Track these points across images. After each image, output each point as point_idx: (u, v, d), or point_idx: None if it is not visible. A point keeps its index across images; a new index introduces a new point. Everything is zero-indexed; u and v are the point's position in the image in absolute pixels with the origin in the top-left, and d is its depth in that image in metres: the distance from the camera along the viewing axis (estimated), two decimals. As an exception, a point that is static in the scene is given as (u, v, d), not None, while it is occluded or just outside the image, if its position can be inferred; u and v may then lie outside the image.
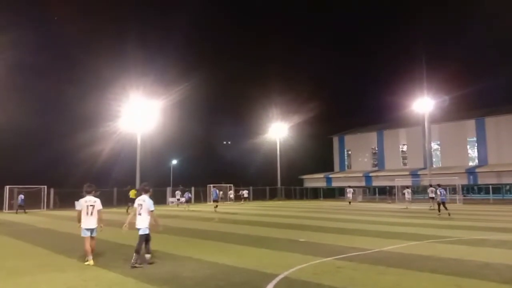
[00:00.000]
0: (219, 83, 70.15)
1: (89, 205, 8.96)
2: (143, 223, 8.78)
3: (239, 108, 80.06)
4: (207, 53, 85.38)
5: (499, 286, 6.58)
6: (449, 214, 21.72)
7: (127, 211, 27.49)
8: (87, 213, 8.92)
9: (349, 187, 42.64)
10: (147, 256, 8.81)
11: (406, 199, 33.98)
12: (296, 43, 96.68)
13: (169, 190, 44.60)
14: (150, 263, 8.68)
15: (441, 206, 23.18)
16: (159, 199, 42.38)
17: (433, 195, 28.78)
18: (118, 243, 12.08)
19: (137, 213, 8.91)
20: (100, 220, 9.10)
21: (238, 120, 68.17)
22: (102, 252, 10.25)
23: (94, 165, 46.53)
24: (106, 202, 34.40)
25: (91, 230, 8.93)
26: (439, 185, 25.26)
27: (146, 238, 8.81)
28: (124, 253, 10.34)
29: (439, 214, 22.59)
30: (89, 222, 8.93)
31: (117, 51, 75.02)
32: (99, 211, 9.08)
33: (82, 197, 9.24)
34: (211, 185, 45.22)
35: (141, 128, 41.27)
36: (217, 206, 30.41)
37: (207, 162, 63.41)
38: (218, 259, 9.15)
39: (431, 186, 30.49)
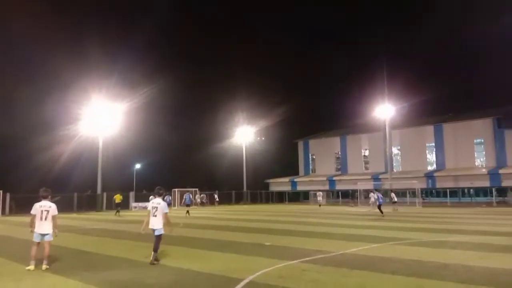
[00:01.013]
0: (185, 87, 69.38)
1: (44, 210, 8.78)
2: (158, 224, 9.30)
3: (206, 112, 79.62)
4: (173, 56, 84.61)
5: (457, 286, 6.82)
6: (382, 216, 24.70)
7: (115, 214, 30.28)
8: (41, 218, 8.75)
9: (320, 190, 43.27)
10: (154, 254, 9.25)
11: (371, 202, 34.38)
12: (262, 48, 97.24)
13: (132, 194, 43.60)
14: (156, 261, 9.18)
15: (379, 208, 26.00)
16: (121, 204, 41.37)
17: (395, 199, 31.27)
18: (77, 249, 11.68)
19: (152, 214, 9.35)
20: (55, 226, 8.86)
21: (204, 124, 67.70)
22: (60, 258, 9.86)
23: (53, 169, 44.88)
24: (66, 207, 33.38)
25: (44, 236, 8.74)
26: (377, 190, 27.59)
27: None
28: (83, 259, 9.99)
29: (383, 216, 24.63)
30: (43, 227, 8.74)
31: (77, 51, 72.77)
32: (54, 217, 8.86)
33: (38, 202, 8.94)
34: (176, 189, 44.62)
35: (103, 131, 40.24)
36: (188, 211, 30.01)
37: (172, 166, 62.54)
38: (182, 265, 9.00)
39: (391, 191, 31.89)
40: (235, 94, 73.63)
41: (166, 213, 9.36)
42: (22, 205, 32.20)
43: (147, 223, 9.45)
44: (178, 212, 32.93)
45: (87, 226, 20.77)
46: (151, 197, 9.53)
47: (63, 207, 33.12)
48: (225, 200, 53.33)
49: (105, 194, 40.39)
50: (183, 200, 34.73)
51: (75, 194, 38.62)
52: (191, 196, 33.75)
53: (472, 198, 53.79)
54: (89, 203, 38.99)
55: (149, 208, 9.53)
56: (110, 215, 31.35)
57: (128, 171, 66.44)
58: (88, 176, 43.31)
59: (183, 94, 67.95)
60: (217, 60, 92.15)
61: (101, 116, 39.12)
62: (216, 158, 61.01)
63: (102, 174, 40.22)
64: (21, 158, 46.53)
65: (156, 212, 9.31)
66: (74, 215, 31.50)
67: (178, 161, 64.07)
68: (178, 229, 18.09)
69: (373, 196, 26.55)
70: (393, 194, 33.74)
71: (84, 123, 39.35)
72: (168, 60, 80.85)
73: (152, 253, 9.22)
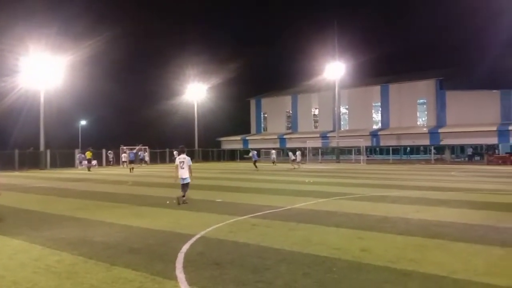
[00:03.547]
0: (134, 39, 66.39)
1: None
2: (186, 174, 11.78)
3: (155, 67, 76.93)
4: (120, 6, 79.88)
5: (395, 237, 7.33)
6: (256, 170, 29.87)
7: (88, 169, 32.88)
8: None
9: (274, 149, 43.91)
10: (183, 197, 11.75)
11: (291, 160, 34.87)
12: (215, 4, 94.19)
13: (77, 152, 42.09)
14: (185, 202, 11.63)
15: (255, 164, 31.52)
16: (66, 161, 39.99)
17: (293, 157, 34.40)
18: (21, 208, 11.26)
19: (180, 167, 11.79)
20: None
21: (154, 80, 65.66)
22: (3, 218, 9.49)
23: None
24: (6, 165, 31.85)
25: None
26: (252, 149, 31.75)
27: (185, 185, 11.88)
28: (28, 218, 9.67)
29: (257, 170, 29.68)
30: None
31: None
32: None
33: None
34: (124, 147, 43.59)
35: (45, 85, 37.91)
36: (133, 168, 29.91)
37: (120, 123, 60.72)
38: (132, 222, 8.95)
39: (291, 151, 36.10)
40: (186, 49, 71.59)
41: (190, 165, 11.81)
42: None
43: (177, 176, 11.87)
44: (126, 170, 32.44)
45: (31, 184, 19.97)
46: (175, 153, 11.58)
47: (3, 165, 31.55)
48: (176, 157, 52.98)
49: (48, 151, 38.73)
50: (127, 158, 35.00)
51: (16, 151, 36.73)
52: (134, 153, 35.17)
53: (413, 155, 57.01)
54: (31, 160, 37.28)
55: (177, 163, 11.95)
56: (54, 173, 30.28)
57: (73, 127, 63.86)
58: (29, 132, 41.15)
59: (131, 47, 65.15)
60: (167, 12, 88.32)
61: (42, 69, 36.68)
62: (166, 115, 59.80)
63: (45, 130, 38.27)
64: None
65: (183, 165, 11.74)
66: (16, 173, 30.09)
67: (127, 118, 62.25)
68: (126, 187, 17.87)
69: (251, 154, 31.79)
70: (290, 153, 35.25)
71: (23, 75, 36.76)
72: (115, 10, 76.29)
73: (182, 193, 11.76)
